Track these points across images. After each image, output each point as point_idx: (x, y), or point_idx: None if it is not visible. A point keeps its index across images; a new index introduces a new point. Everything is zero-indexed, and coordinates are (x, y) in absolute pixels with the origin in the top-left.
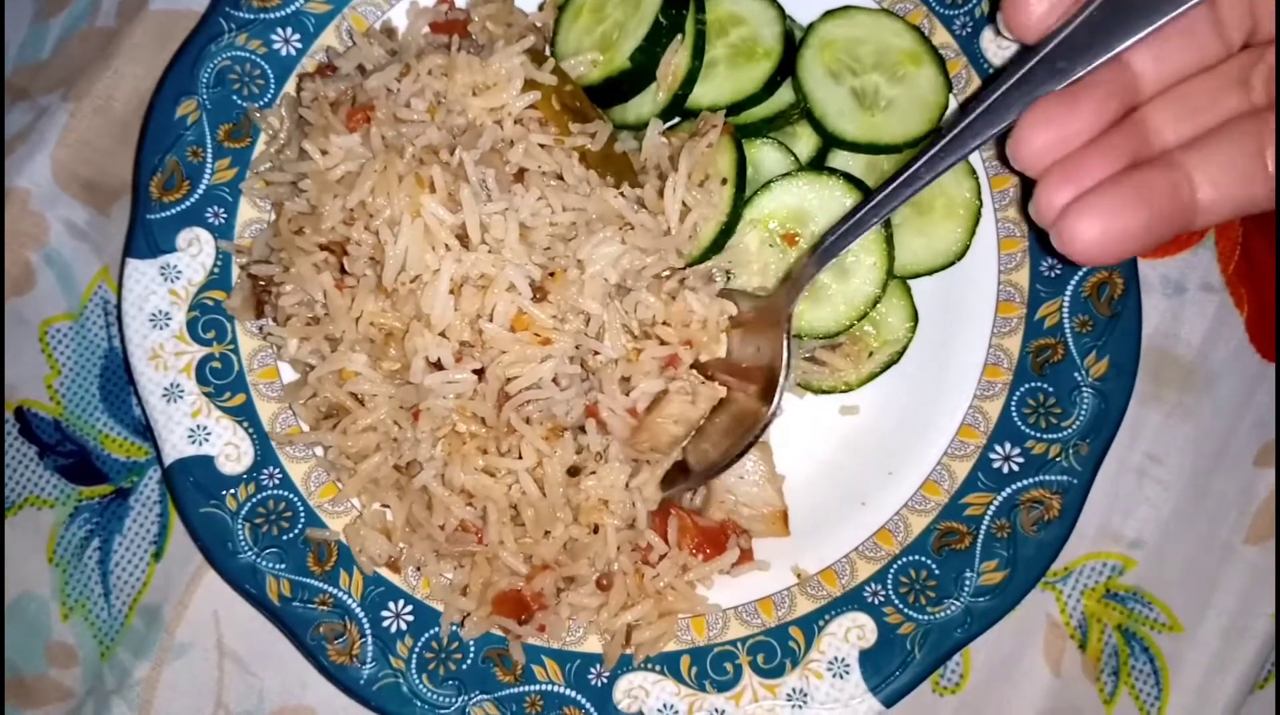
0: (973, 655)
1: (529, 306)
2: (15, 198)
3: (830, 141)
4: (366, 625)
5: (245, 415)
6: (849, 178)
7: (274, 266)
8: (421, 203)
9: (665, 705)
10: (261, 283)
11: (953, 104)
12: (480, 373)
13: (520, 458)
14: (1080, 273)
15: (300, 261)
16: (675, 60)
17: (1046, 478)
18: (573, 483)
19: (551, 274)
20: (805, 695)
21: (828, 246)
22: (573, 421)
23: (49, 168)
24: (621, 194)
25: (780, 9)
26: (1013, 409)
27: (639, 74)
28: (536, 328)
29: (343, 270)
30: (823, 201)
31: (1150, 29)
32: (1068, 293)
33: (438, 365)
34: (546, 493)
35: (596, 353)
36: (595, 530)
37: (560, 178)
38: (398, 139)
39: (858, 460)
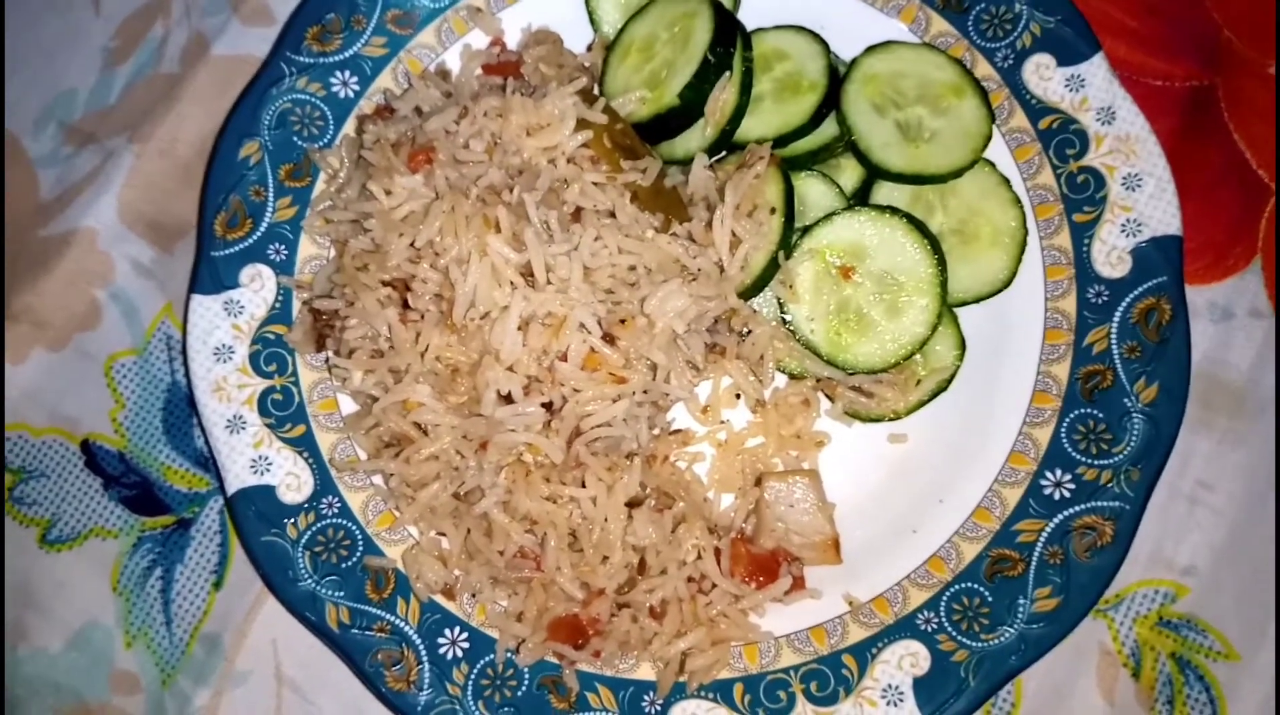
0: (1025, 684)
1: (601, 347)
2: (83, 237)
3: (875, 173)
4: (423, 652)
5: (305, 446)
6: (912, 219)
7: (337, 301)
8: (488, 242)
9: None
10: (323, 317)
11: (996, 135)
12: (548, 406)
13: (584, 486)
14: (1128, 299)
15: (365, 296)
16: (723, 97)
17: (1099, 504)
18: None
19: (622, 321)
20: None
21: None
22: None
23: (115, 208)
24: (674, 234)
25: (823, 43)
26: (1063, 435)
27: (688, 110)
28: (610, 367)
29: (405, 305)
30: (882, 239)
31: None
32: (1115, 319)
33: (508, 398)
34: (609, 519)
35: (666, 394)
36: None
37: (613, 215)
38: (460, 180)
39: (908, 488)
